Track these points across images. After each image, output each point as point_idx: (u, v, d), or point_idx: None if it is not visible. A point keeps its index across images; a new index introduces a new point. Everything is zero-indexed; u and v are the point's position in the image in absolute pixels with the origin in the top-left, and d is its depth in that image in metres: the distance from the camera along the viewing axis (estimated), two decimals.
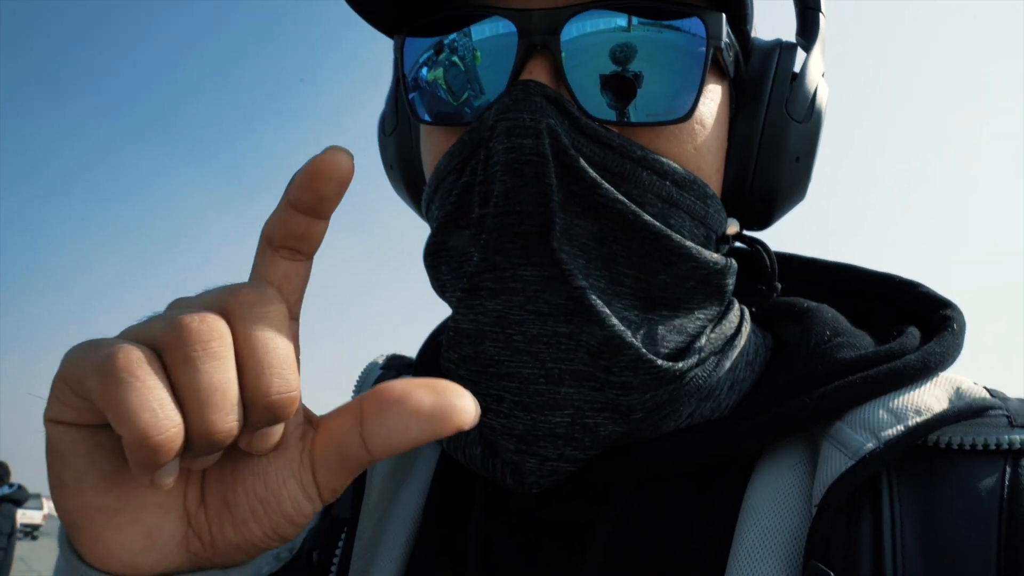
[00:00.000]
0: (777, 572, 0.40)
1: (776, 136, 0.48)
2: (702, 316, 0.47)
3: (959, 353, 0.46)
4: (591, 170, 0.41)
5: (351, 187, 0.33)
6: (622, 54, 0.43)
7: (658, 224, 0.43)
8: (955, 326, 0.47)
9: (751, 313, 0.53)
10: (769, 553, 0.40)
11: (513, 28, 0.43)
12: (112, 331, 0.32)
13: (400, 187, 0.58)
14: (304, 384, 0.32)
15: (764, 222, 0.53)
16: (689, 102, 0.44)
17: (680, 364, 0.43)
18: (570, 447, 0.43)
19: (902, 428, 0.40)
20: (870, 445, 0.40)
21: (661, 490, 0.45)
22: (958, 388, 0.44)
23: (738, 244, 0.54)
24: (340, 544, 0.52)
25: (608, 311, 0.41)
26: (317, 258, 0.35)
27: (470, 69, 0.45)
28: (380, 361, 0.64)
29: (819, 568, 0.38)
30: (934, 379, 0.45)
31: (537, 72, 0.42)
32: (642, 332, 0.43)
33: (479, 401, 0.42)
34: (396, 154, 0.56)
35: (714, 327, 0.48)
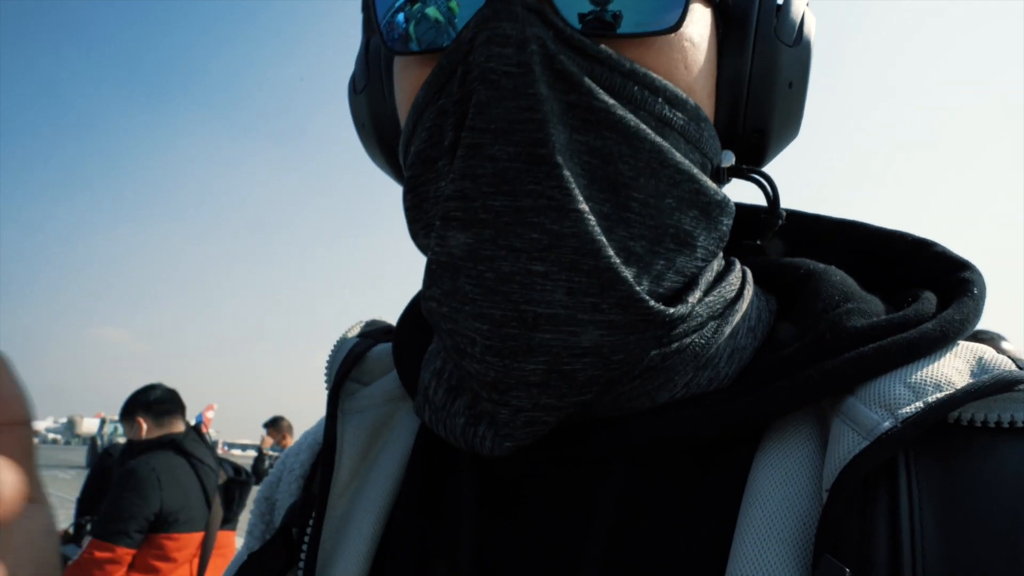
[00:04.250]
0: (785, 562, 0.37)
1: (767, 61, 0.46)
2: (701, 258, 0.43)
3: (979, 320, 0.43)
4: (582, 74, 0.38)
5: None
6: None
7: (659, 137, 0.40)
8: (975, 290, 0.44)
9: (754, 274, 0.50)
10: (776, 541, 0.37)
11: None
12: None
13: (372, 146, 0.55)
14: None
15: (758, 159, 0.50)
16: (677, 13, 0.41)
17: (672, 310, 0.40)
18: (545, 395, 0.39)
19: (921, 405, 0.37)
20: (886, 424, 0.37)
21: (660, 467, 0.42)
22: (980, 359, 0.41)
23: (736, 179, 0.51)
24: (311, 522, 0.50)
25: (605, 240, 0.37)
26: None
27: None
28: (354, 332, 0.60)
29: (833, 563, 0.34)
30: (953, 349, 0.42)
31: None
32: (642, 267, 0.40)
33: (456, 341, 0.40)
34: (368, 112, 0.54)
35: (712, 287, 0.44)
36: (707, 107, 0.45)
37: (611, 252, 0.38)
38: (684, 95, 0.42)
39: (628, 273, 0.38)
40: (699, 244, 0.42)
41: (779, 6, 0.47)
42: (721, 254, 0.48)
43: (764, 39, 0.46)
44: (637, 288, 0.38)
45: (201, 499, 2.98)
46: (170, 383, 3.23)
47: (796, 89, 0.47)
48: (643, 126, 0.39)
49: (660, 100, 0.40)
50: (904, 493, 0.36)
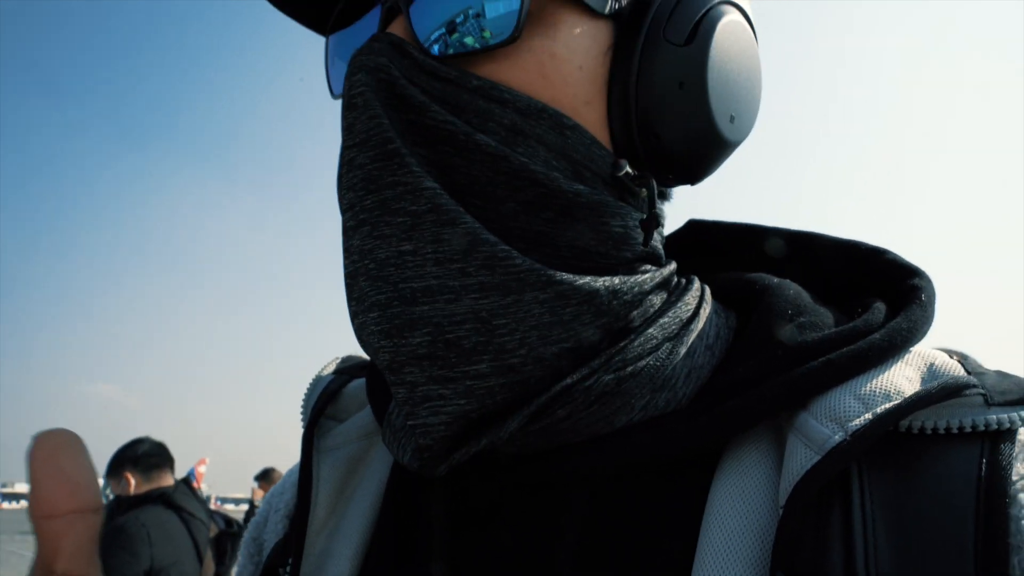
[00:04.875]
0: None
1: (651, 62, 0.45)
2: (574, 256, 0.43)
3: (930, 326, 0.44)
4: (419, 95, 0.42)
5: None
6: None
7: (493, 144, 0.41)
8: (924, 296, 0.44)
9: (714, 291, 0.50)
10: (736, 560, 0.37)
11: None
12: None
13: None
14: None
15: (683, 171, 0.48)
16: (510, 28, 0.43)
17: (552, 272, 0.40)
18: (435, 366, 0.40)
19: (870, 416, 0.38)
20: (837, 437, 0.37)
21: (623, 490, 0.43)
22: (931, 365, 0.42)
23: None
24: (291, 561, 0.51)
25: (461, 209, 0.40)
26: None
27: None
28: (329, 369, 0.61)
29: None
30: (904, 357, 0.42)
31: (395, 28, 0.46)
32: None
33: (371, 343, 0.41)
34: None
35: (665, 309, 0.45)
36: (585, 116, 0.45)
37: (469, 219, 0.40)
38: (541, 104, 0.43)
39: (490, 235, 0.40)
40: (563, 244, 0.43)
41: (674, 8, 0.46)
42: (672, 268, 0.48)
43: (651, 41, 0.45)
44: (501, 247, 0.40)
45: (192, 554, 2.93)
46: (162, 436, 3.19)
47: (690, 89, 0.45)
48: (477, 138, 0.42)
49: (509, 111, 0.43)
50: (857, 505, 0.37)
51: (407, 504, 0.50)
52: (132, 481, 3.00)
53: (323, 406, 0.56)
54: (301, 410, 0.57)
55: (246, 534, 0.62)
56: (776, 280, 0.49)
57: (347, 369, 0.61)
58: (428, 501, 0.48)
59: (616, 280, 0.43)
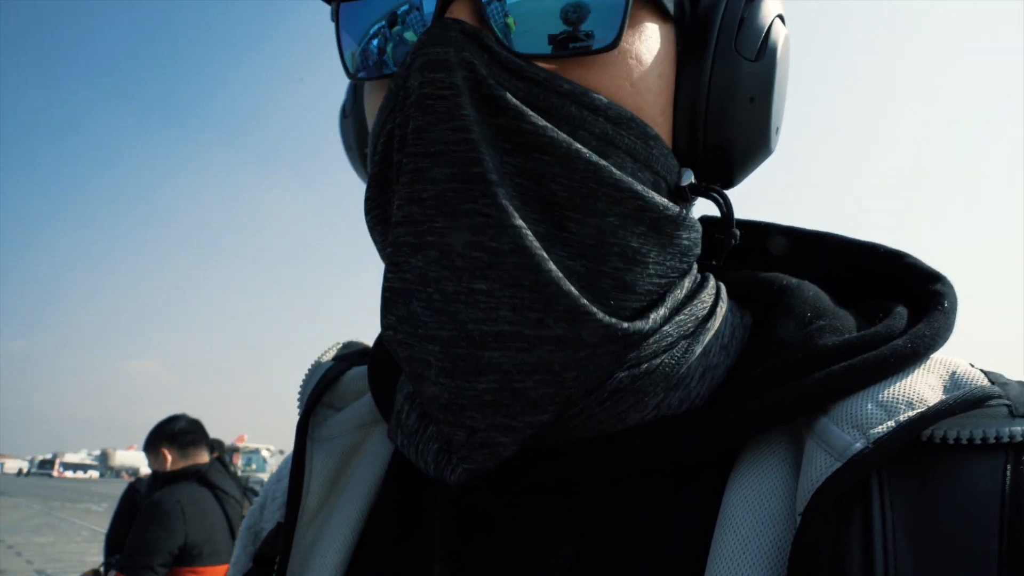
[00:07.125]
0: None
1: (725, 76, 0.45)
2: (658, 274, 0.42)
3: (951, 333, 0.42)
4: (514, 99, 0.38)
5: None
6: None
7: (595, 155, 0.39)
8: (946, 303, 0.43)
9: (728, 289, 0.49)
10: (750, 567, 0.36)
11: None
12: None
13: (359, 167, 0.57)
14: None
15: (727, 178, 0.48)
16: (614, 31, 0.40)
17: (626, 325, 0.39)
18: (499, 415, 0.39)
19: (893, 424, 0.37)
20: (858, 445, 0.36)
21: (632, 490, 0.42)
22: (953, 373, 0.40)
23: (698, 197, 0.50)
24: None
25: (545, 255, 0.38)
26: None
27: (398, 21, 0.44)
28: (329, 356, 0.60)
29: None
30: (925, 363, 0.41)
31: (458, 11, 0.40)
32: (584, 285, 0.39)
33: (413, 367, 0.40)
34: (354, 134, 0.56)
35: (683, 306, 0.44)
36: (660, 125, 0.44)
37: (552, 267, 0.38)
38: (630, 113, 0.41)
39: (572, 287, 0.38)
40: (651, 260, 0.42)
41: (741, 20, 0.46)
42: (696, 270, 0.47)
43: (723, 54, 0.45)
44: (582, 302, 0.38)
45: (226, 531, 2.98)
46: (201, 413, 3.25)
47: (759, 104, 0.46)
48: (578, 146, 0.39)
49: (601, 119, 0.40)
50: (877, 516, 0.36)
51: (406, 499, 0.49)
52: (169, 457, 3.06)
53: (320, 393, 0.55)
54: (298, 396, 0.56)
55: (243, 522, 0.61)
56: (796, 281, 0.48)
57: (347, 356, 0.60)
58: (430, 500, 0.47)
59: (665, 310, 0.43)
